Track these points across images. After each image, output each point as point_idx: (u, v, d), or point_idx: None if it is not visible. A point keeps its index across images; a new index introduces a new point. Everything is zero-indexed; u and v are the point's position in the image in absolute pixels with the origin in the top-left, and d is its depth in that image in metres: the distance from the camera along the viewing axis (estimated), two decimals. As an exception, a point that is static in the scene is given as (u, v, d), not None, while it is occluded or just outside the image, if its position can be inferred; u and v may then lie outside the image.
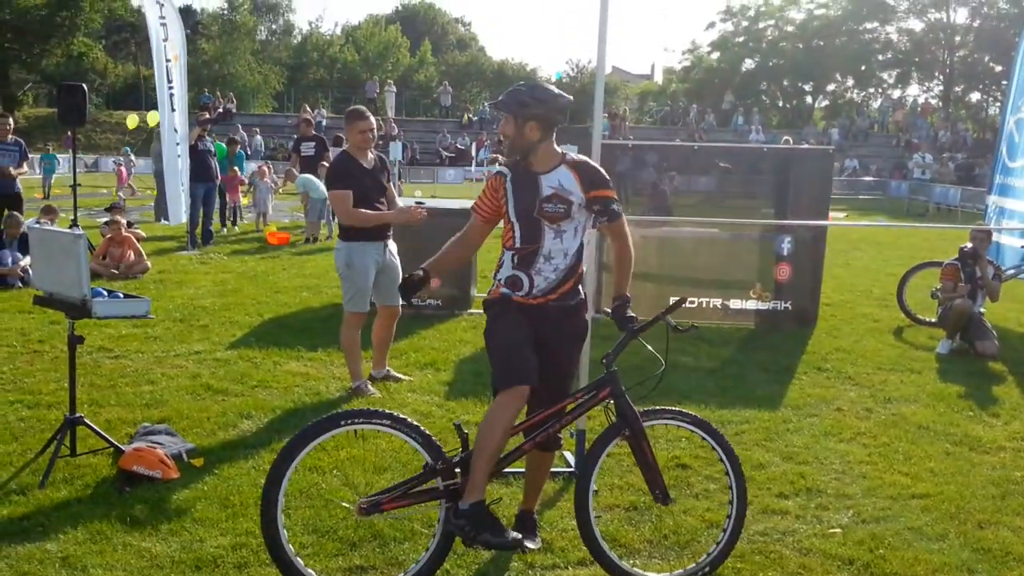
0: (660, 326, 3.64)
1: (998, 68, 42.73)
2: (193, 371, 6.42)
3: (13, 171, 10.16)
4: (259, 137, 33.60)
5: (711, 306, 8.60)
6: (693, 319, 7.76)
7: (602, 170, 3.67)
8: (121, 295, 4.77)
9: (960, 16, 47.31)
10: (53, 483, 4.32)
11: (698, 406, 5.72)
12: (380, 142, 19.75)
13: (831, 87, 51.85)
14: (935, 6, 46.95)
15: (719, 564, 3.68)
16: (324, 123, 33.57)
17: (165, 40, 11.90)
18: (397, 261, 6.11)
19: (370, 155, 6.00)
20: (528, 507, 3.95)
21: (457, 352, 7.19)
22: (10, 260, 9.66)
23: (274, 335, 7.57)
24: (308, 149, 14.46)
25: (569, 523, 4.01)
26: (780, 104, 52.59)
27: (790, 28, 49.67)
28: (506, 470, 3.77)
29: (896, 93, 49.53)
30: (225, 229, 15.50)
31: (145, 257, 10.78)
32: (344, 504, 3.87)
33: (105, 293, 4.64)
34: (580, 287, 3.70)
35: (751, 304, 8.63)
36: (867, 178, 33.98)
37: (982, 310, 8.14)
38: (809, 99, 52.76)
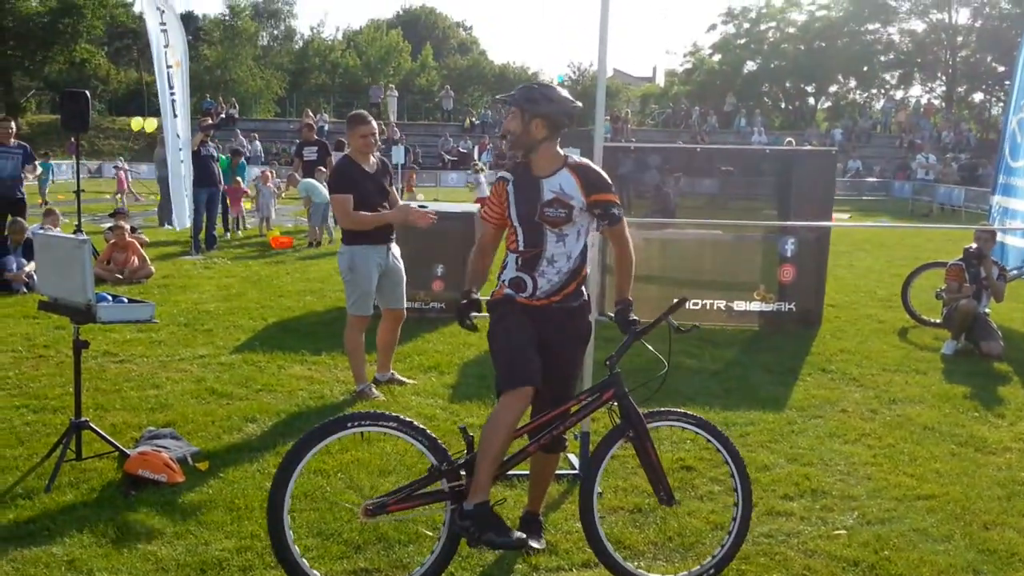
0: (663, 328, 3.64)
1: (1001, 68, 42.69)
2: (198, 375, 6.43)
3: (28, 173, 10.32)
4: (258, 143, 33.61)
5: (715, 308, 8.59)
6: (697, 321, 7.76)
7: (604, 174, 3.66)
8: (125, 300, 4.79)
9: (962, 16, 47.41)
10: (59, 487, 4.33)
11: (702, 408, 5.71)
12: (382, 146, 19.78)
13: (833, 88, 51.89)
14: (937, 7, 46.93)
15: (724, 566, 3.67)
16: (326, 128, 33.56)
17: (166, 46, 11.95)
18: (400, 264, 6.11)
19: (372, 159, 6.01)
20: (533, 509, 3.96)
21: (461, 355, 7.20)
22: (15, 265, 9.69)
23: (278, 339, 7.59)
24: (310, 154, 14.51)
25: (574, 525, 4.01)
26: (782, 106, 52.61)
27: (791, 30, 49.66)
28: (510, 472, 3.77)
29: (899, 94, 49.61)
30: (228, 234, 15.53)
31: (149, 262, 10.80)
32: (349, 506, 3.88)
33: (109, 298, 4.67)
34: (583, 289, 3.70)
35: (755, 306, 8.63)
36: (871, 179, 33.92)
37: (987, 310, 8.12)
38: (811, 100, 52.78)
